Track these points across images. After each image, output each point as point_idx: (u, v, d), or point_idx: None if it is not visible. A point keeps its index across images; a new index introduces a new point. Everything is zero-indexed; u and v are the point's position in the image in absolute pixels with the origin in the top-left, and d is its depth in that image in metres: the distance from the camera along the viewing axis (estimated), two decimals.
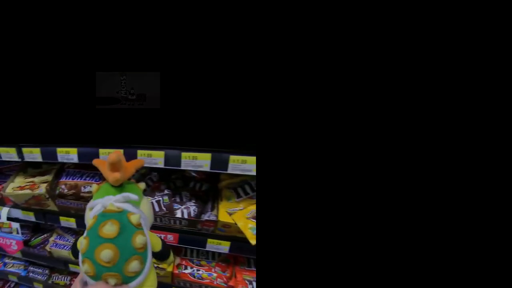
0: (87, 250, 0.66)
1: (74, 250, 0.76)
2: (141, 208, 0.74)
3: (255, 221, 1.22)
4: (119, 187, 0.75)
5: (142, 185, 0.79)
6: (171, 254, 0.80)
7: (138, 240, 0.67)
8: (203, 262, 1.50)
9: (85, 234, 0.70)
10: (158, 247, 0.75)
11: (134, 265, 0.65)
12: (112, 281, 0.65)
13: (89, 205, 0.74)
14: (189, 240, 1.34)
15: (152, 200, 1.39)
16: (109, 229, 0.66)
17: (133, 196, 0.72)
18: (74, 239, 1.73)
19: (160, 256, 0.77)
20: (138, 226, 0.69)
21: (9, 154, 1.38)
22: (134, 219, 0.69)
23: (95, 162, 0.77)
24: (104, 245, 0.65)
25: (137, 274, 0.67)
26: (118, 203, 0.71)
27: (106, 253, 0.64)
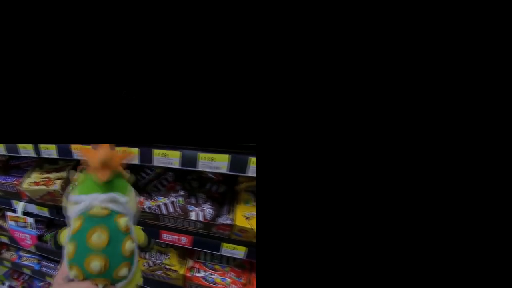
0: (75, 257, 0.65)
1: (55, 242, 0.75)
2: (128, 206, 0.71)
3: None
4: (107, 183, 0.70)
5: (131, 178, 0.76)
6: (152, 241, 0.83)
7: (128, 247, 0.66)
8: (217, 266, 1.45)
9: (70, 236, 0.67)
10: (142, 240, 0.77)
11: (123, 271, 0.66)
12: (101, 285, 0.65)
13: (72, 198, 0.69)
14: (204, 243, 1.30)
15: (167, 201, 1.35)
16: (98, 239, 0.64)
17: (122, 199, 0.69)
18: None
19: (146, 247, 0.80)
20: (127, 231, 0.67)
21: (26, 150, 1.37)
22: (122, 223, 0.67)
23: (82, 152, 0.71)
24: (94, 256, 0.64)
25: (125, 276, 0.67)
26: (105, 203, 0.67)
27: (96, 265, 0.63)
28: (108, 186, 0.71)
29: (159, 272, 1.52)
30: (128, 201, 0.72)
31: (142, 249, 0.78)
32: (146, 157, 1.16)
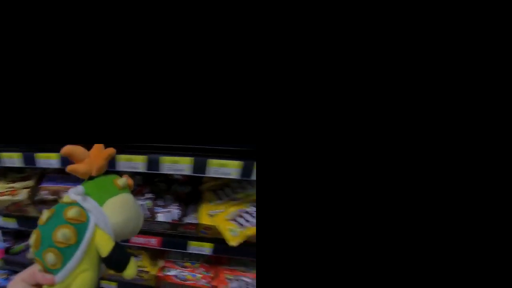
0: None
1: None
2: (105, 205, 0.70)
3: (234, 223, 1.24)
4: (92, 179, 0.73)
5: (121, 181, 0.75)
6: (130, 267, 0.72)
7: (59, 233, 0.65)
8: (187, 264, 1.51)
9: None
10: (104, 252, 0.69)
11: (48, 257, 0.64)
12: (38, 267, 0.66)
13: None
14: (172, 243, 1.35)
15: None
16: (43, 215, 0.67)
17: (79, 189, 0.70)
18: None
19: (110, 264, 0.71)
20: (71, 221, 0.66)
21: None
22: (70, 212, 0.67)
23: (63, 151, 0.73)
24: (36, 230, 0.67)
25: (57, 268, 0.65)
26: (74, 194, 0.70)
27: (32, 237, 0.66)
28: (91, 183, 0.73)
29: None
30: (107, 198, 0.70)
31: (111, 267, 0.72)
32: (110, 163, 1.21)
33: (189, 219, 1.32)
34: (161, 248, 1.37)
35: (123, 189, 0.75)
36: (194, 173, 1.19)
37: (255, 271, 1.45)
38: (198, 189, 1.42)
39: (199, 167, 1.18)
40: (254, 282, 1.42)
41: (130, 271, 0.71)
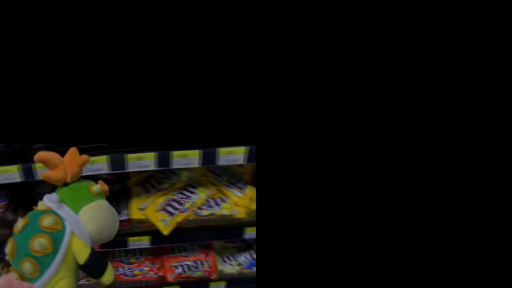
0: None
1: None
2: (80, 213, 0.70)
3: (164, 212, 1.24)
4: (66, 186, 0.73)
5: (95, 188, 0.74)
6: (108, 273, 0.72)
7: (35, 243, 0.65)
8: (132, 260, 1.50)
9: None
10: (81, 259, 0.70)
11: (26, 266, 0.65)
12: (15, 275, 0.67)
13: None
14: (111, 243, 1.33)
15: None
16: (17, 224, 0.68)
17: (53, 197, 0.70)
18: None
19: (88, 270, 0.71)
20: (46, 229, 0.67)
21: None
22: (46, 221, 0.67)
23: (36, 158, 0.73)
24: (11, 239, 0.68)
25: (35, 277, 0.66)
26: (48, 201, 0.70)
27: (7, 246, 0.67)
28: (66, 189, 0.72)
29: (82, 281, 1.52)
30: (83, 204, 0.70)
31: (89, 274, 0.72)
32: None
33: (122, 217, 1.30)
34: (102, 250, 1.35)
35: (98, 195, 0.74)
36: (112, 171, 1.16)
37: (196, 254, 1.49)
38: (126, 185, 1.39)
39: (117, 164, 1.15)
40: (194, 264, 1.46)
41: (107, 277, 0.72)
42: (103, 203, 0.75)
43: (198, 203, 1.28)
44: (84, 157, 0.75)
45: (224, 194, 1.34)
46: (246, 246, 1.58)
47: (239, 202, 1.30)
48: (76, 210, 0.71)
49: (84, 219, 0.71)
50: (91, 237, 0.71)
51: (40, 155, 0.71)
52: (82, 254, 0.70)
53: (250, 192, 1.31)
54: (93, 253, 0.71)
